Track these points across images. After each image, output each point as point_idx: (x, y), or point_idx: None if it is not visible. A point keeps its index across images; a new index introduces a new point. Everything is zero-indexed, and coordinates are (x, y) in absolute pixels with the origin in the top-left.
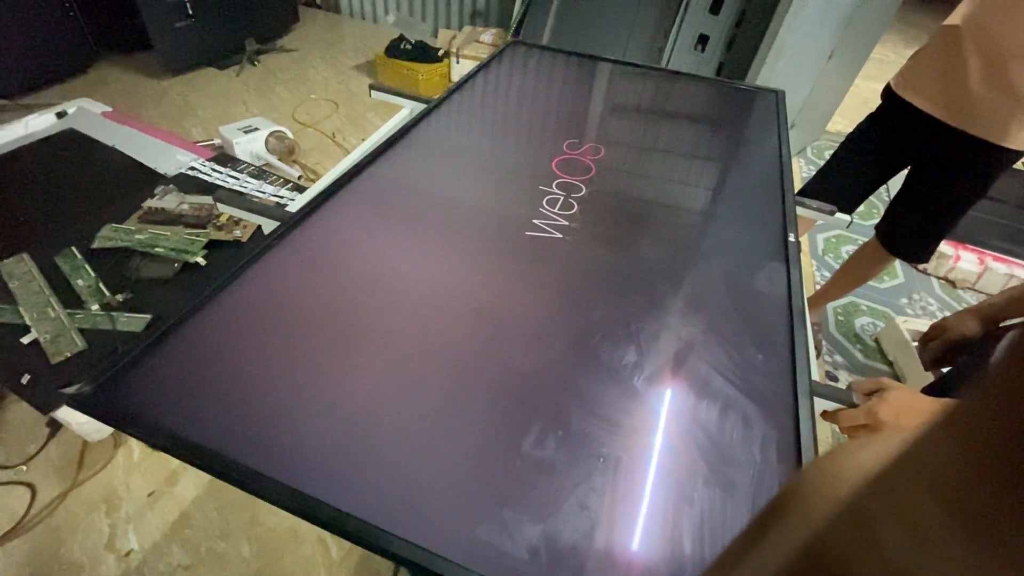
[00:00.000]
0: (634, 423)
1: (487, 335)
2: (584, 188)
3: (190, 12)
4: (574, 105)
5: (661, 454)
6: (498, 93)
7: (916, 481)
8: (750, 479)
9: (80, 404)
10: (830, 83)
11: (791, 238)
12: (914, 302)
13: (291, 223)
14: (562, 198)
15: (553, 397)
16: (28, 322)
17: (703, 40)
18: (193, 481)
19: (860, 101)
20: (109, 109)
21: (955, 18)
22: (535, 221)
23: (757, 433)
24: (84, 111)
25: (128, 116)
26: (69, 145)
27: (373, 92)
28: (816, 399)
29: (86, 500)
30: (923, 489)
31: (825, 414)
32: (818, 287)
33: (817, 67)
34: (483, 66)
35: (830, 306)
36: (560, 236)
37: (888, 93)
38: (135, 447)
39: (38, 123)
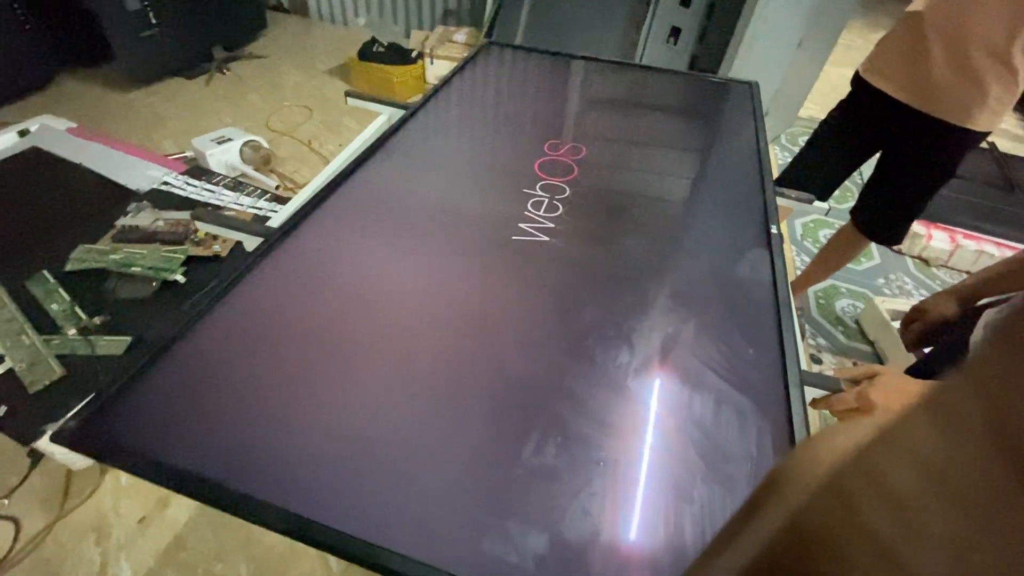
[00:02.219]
0: (630, 424)
1: (480, 343)
2: (568, 189)
3: (153, 21)
4: (552, 105)
5: (659, 454)
6: (475, 96)
7: (898, 457)
8: (747, 474)
9: (66, 440)
10: (800, 70)
11: (773, 230)
12: (891, 282)
13: (274, 239)
14: (546, 200)
15: (549, 403)
16: (1, 351)
17: (675, 33)
18: (185, 503)
19: (830, 87)
20: (74, 125)
21: (918, 4)
22: (521, 225)
23: (752, 427)
24: (47, 128)
25: (94, 131)
26: (34, 164)
27: (349, 99)
28: (806, 388)
29: (74, 530)
30: (905, 465)
31: (815, 402)
32: (799, 272)
33: (787, 55)
34: (459, 69)
35: (811, 290)
36: (547, 239)
37: (857, 79)
38: (122, 473)
39: None
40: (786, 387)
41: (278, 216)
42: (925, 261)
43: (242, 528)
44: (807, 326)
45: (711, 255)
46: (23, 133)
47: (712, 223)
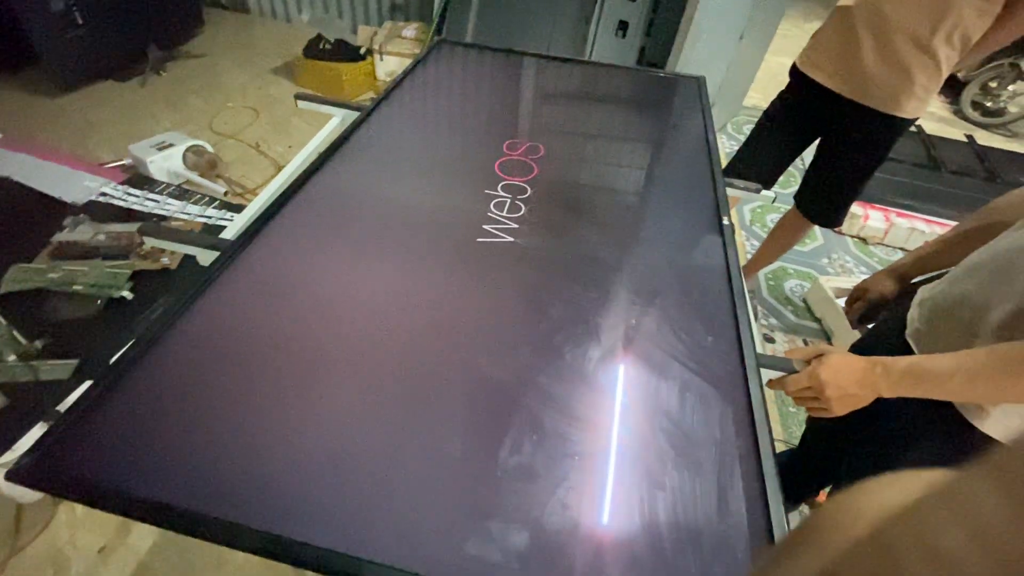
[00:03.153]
0: (602, 417)
1: (451, 347)
2: (529, 189)
3: (79, 20)
4: (509, 104)
5: (630, 444)
6: (430, 96)
7: (952, 517)
8: (713, 457)
9: (23, 479)
10: (743, 61)
11: (725, 221)
12: (833, 261)
13: (230, 252)
14: (508, 200)
15: (523, 402)
16: None
17: (623, 26)
18: (148, 528)
19: (770, 76)
20: None
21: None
22: (485, 227)
23: (715, 412)
24: None
25: (22, 141)
26: None
27: (299, 102)
28: (762, 370)
29: (30, 566)
30: (959, 526)
31: (771, 383)
32: (749, 257)
33: (731, 47)
34: (411, 68)
35: (761, 272)
36: (512, 240)
37: (794, 71)
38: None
39: None
40: (744, 372)
41: (233, 227)
42: (863, 240)
43: (211, 548)
44: (759, 307)
45: (668, 248)
46: None
47: (668, 217)
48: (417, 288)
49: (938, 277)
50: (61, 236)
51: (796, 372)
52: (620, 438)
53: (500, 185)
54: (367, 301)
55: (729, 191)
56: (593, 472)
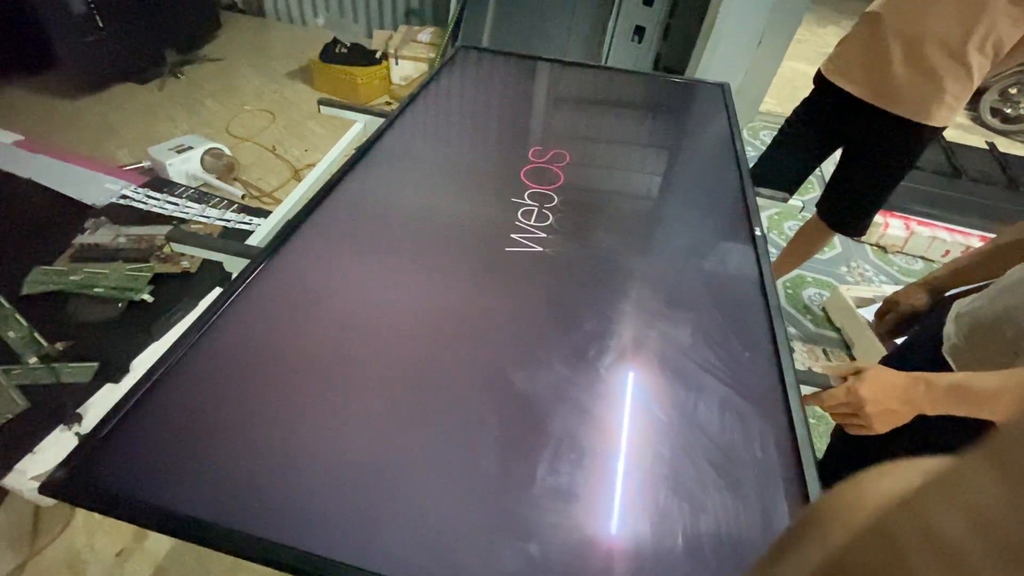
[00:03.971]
0: (640, 435)
1: (483, 361)
2: (556, 197)
3: (100, 24)
4: (533, 110)
5: (669, 464)
6: (455, 103)
7: (952, 504)
8: (755, 478)
9: (55, 491)
10: (761, 67)
11: (757, 232)
12: (852, 269)
13: (261, 261)
14: (536, 209)
15: (556, 416)
16: None
17: (640, 31)
18: None
19: (785, 81)
20: (21, 138)
21: (875, 5)
22: (513, 236)
23: (755, 431)
24: None
25: (43, 144)
26: None
27: (322, 108)
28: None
29: (47, 569)
30: (958, 513)
31: (806, 398)
32: None
33: (749, 53)
34: (435, 74)
35: (779, 280)
36: (540, 249)
37: (819, 79)
38: None
39: None
40: (784, 390)
41: (259, 233)
42: (883, 248)
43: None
44: None
45: (700, 259)
46: None
47: (698, 227)
48: (448, 298)
49: (974, 291)
50: (82, 238)
51: (831, 387)
52: (659, 456)
53: (527, 193)
54: (396, 311)
55: (764, 203)
56: (629, 490)
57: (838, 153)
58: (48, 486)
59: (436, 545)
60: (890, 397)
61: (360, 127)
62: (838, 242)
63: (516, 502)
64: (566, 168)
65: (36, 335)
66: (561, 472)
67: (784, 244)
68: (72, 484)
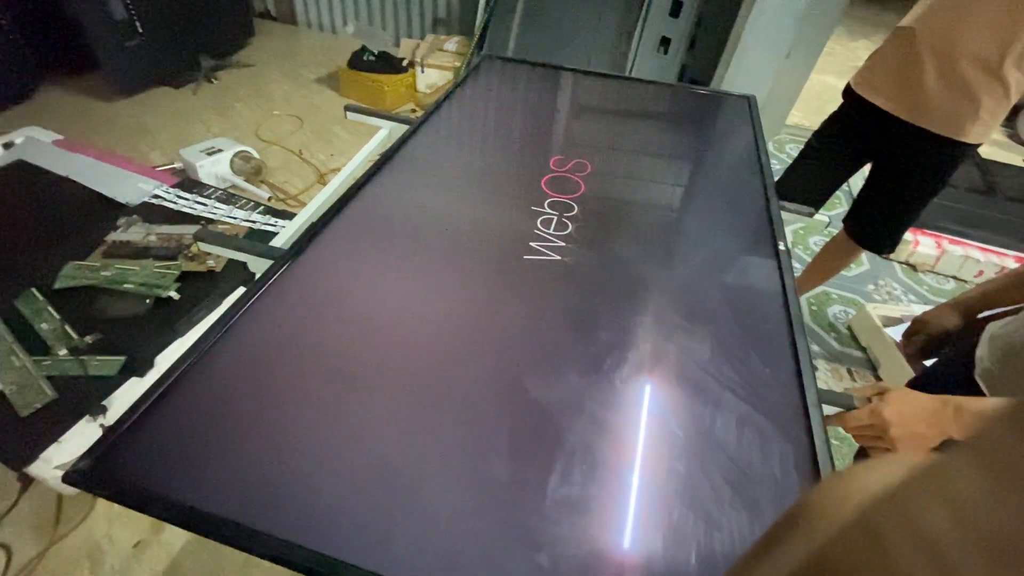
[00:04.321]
0: (652, 447)
1: (498, 368)
2: (576, 207)
3: (139, 30)
4: (555, 120)
5: (684, 479)
6: (478, 111)
7: (935, 499)
8: (772, 497)
9: (78, 481)
10: (788, 79)
11: (781, 246)
12: (880, 287)
13: (284, 262)
14: (555, 218)
15: (570, 426)
16: None
17: (665, 43)
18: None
19: (813, 94)
20: (60, 137)
21: (909, 20)
22: (532, 244)
23: (774, 449)
24: (33, 140)
25: (81, 143)
26: (19, 178)
27: (349, 114)
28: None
29: (67, 557)
30: (942, 507)
31: (828, 419)
32: None
33: (776, 65)
34: (460, 83)
35: (803, 297)
36: (559, 258)
37: (849, 92)
38: None
39: None
40: (805, 408)
41: (282, 235)
42: (912, 267)
43: (238, 552)
44: None
45: (721, 273)
46: (7, 145)
47: (719, 240)
48: (465, 305)
49: (1010, 313)
50: (115, 235)
51: (856, 408)
52: (673, 471)
53: (547, 202)
54: (414, 316)
55: (788, 217)
56: (643, 504)
57: (867, 168)
58: (71, 475)
59: (447, 551)
60: (917, 420)
61: (385, 133)
62: (866, 259)
63: (526, 510)
64: (587, 178)
65: (67, 328)
66: (573, 482)
67: (809, 259)
68: (94, 474)
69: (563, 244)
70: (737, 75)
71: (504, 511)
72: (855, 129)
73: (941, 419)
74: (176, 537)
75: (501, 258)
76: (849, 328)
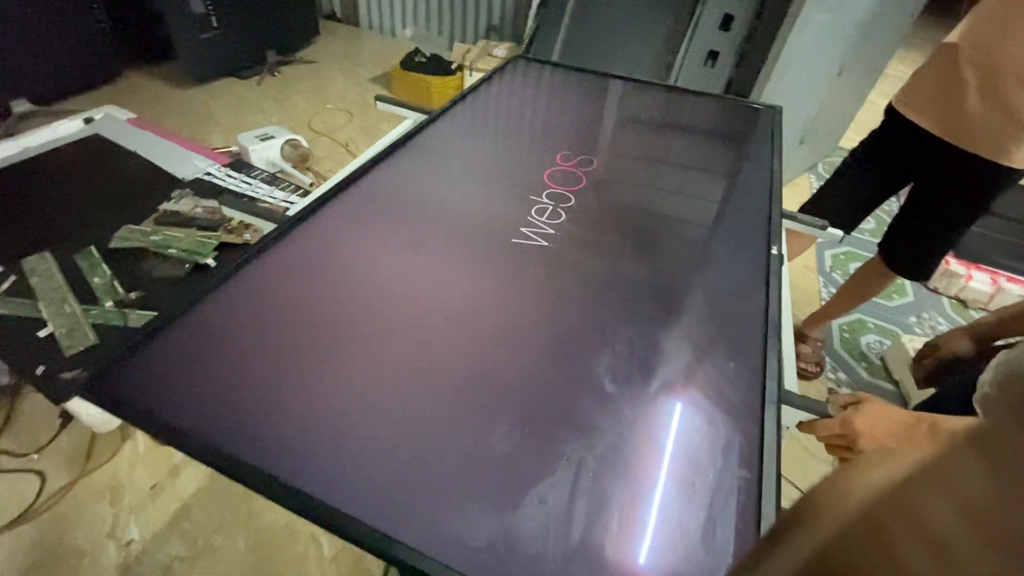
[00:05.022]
0: (602, 425)
1: (464, 335)
2: (573, 198)
3: (215, 24)
4: (570, 119)
5: (627, 455)
6: (498, 106)
7: (940, 495)
8: (710, 481)
9: (77, 388)
10: (841, 99)
11: (774, 250)
12: (923, 321)
13: (287, 226)
14: (551, 207)
15: (525, 398)
16: (45, 316)
17: (713, 56)
18: (194, 476)
19: (874, 117)
20: (134, 116)
21: (953, 36)
22: (523, 229)
23: (721, 437)
24: (110, 118)
25: (151, 123)
26: (94, 150)
27: (379, 103)
28: (794, 410)
29: (92, 490)
30: (947, 503)
31: (801, 425)
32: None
33: (825, 83)
34: (485, 79)
35: (835, 323)
36: (546, 244)
37: (890, 110)
38: (140, 441)
39: (66, 128)
40: (763, 402)
41: (297, 207)
42: (963, 303)
43: (243, 504)
44: (827, 359)
45: (706, 271)
46: (88, 121)
47: (712, 240)
48: (446, 275)
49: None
50: (167, 205)
51: (830, 416)
52: (617, 447)
53: (545, 193)
54: (401, 283)
55: (792, 226)
56: (579, 477)
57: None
58: (72, 382)
59: (415, 502)
60: (887, 433)
61: (410, 123)
62: (911, 290)
63: (462, 464)
64: (590, 173)
65: (115, 283)
66: (509, 443)
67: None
68: (92, 384)
69: (552, 232)
70: (779, 90)
71: (451, 461)
72: (895, 149)
73: (914, 434)
74: (188, 484)
75: (490, 239)
76: (882, 359)
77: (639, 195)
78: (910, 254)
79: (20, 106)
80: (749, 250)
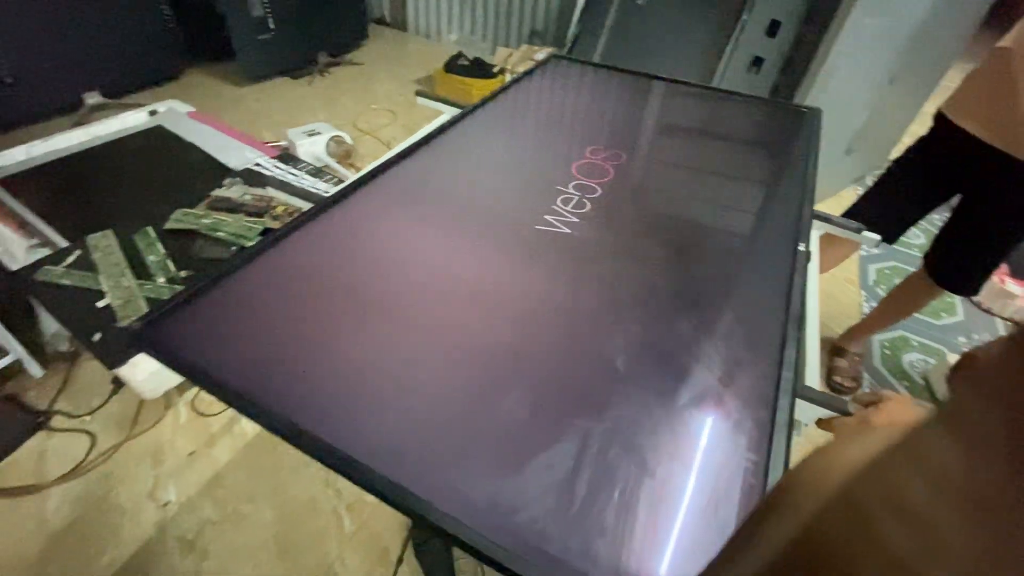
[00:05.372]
0: (612, 401)
1: (487, 310)
2: (599, 190)
3: (271, 26)
4: (602, 115)
5: (637, 434)
6: (530, 101)
7: (914, 470)
8: (717, 461)
9: (131, 335)
10: (892, 109)
11: (801, 247)
12: (973, 342)
13: (328, 202)
14: (576, 197)
15: (540, 371)
16: (104, 288)
17: (758, 62)
18: (228, 447)
19: (928, 129)
20: (193, 110)
21: (1007, 40)
22: (546, 216)
23: (731, 422)
24: (172, 111)
25: (209, 117)
26: (156, 139)
27: (419, 99)
28: (814, 406)
29: (136, 452)
30: (921, 478)
31: (820, 422)
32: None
33: (875, 92)
34: (521, 77)
35: (876, 339)
36: (568, 231)
37: (939, 117)
38: (183, 411)
39: (133, 119)
40: (776, 390)
41: (333, 190)
42: (1018, 325)
43: (272, 477)
44: (865, 374)
45: (729, 263)
46: (152, 113)
47: (738, 234)
48: (469, 256)
49: None
50: (218, 192)
51: (851, 415)
52: (627, 426)
53: (572, 184)
54: (427, 258)
55: (833, 231)
56: (585, 453)
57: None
58: (124, 330)
59: (450, 460)
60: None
61: (445, 118)
62: (961, 309)
63: (476, 430)
64: (619, 167)
65: (168, 262)
66: (520, 413)
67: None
68: (143, 335)
69: (576, 220)
70: (824, 95)
71: (463, 426)
72: (943, 156)
73: None
74: (224, 454)
75: (513, 224)
76: (925, 379)
77: (666, 189)
78: (956, 267)
79: (92, 98)
80: (775, 245)
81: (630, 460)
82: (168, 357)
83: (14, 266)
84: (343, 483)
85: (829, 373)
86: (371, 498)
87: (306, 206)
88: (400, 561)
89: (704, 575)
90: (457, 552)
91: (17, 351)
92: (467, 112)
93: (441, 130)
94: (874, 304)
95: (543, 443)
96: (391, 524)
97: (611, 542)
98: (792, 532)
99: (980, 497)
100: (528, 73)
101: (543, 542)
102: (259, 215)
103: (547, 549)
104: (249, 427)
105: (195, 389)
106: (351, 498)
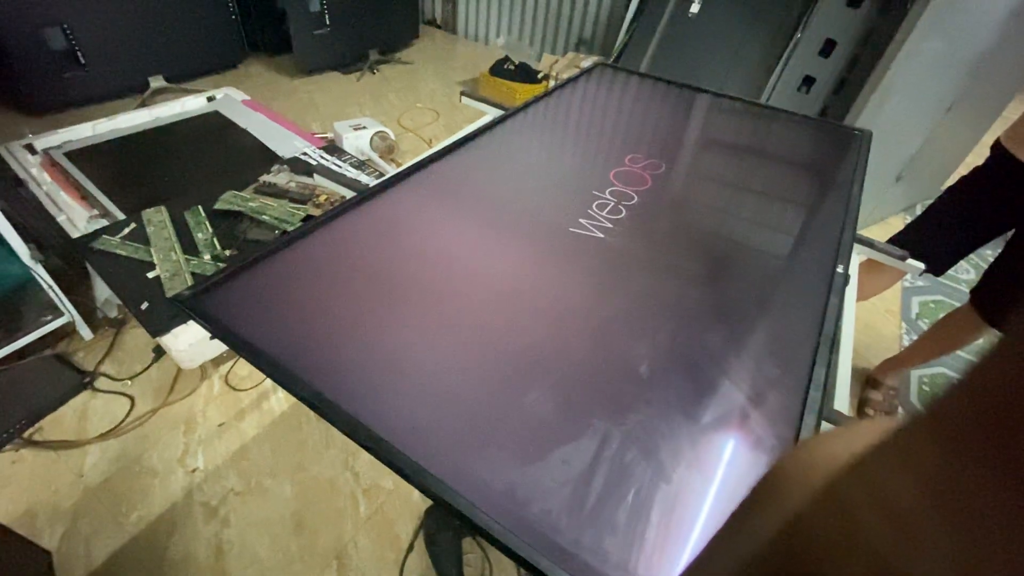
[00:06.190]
0: (634, 405)
1: (518, 306)
2: (636, 197)
3: (328, 22)
4: (644, 124)
5: (655, 440)
6: (574, 107)
7: (899, 469)
8: (735, 473)
9: (179, 301)
10: (949, 138)
11: (839, 268)
12: None
13: (370, 192)
14: (612, 203)
15: (566, 370)
16: (155, 261)
17: (808, 81)
18: (257, 421)
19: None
20: (248, 98)
21: None
22: (581, 220)
23: (753, 436)
24: (229, 98)
25: (262, 106)
26: (213, 124)
27: (463, 98)
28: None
29: (170, 419)
30: (906, 478)
31: None
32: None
33: (931, 118)
34: (566, 82)
35: (915, 374)
36: (601, 236)
37: (996, 147)
38: (216, 383)
39: (192, 104)
40: (802, 409)
41: (375, 183)
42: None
43: (295, 454)
44: (900, 408)
45: (764, 279)
46: (211, 99)
47: (775, 252)
48: (502, 254)
49: None
50: (266, 177)
51: None
52: (646, 429)
53: (609, 190)
54: (461, 252)
55: (877, 256)
56: (603, 450)
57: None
58: (175, 298)
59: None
60: None
61: (488, 119)
62: None
63: (498, 417)
64: (657, 176)
65: (215, 240)
66: (543, 407)
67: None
68: (194, 300)
69: (611, 226)
70: (877, 119)
71: (480, 423)
72: (998, 188)
73: None
74: (251, 428)
75: (548, 226)
76: None
77: (703, 201)
78: (1005, 305)
79: (156, 82)
80: (813, 265)
81: (647, 464)
82: (213, 325)
83: (75, 234)
84: (361, 467)
85: (861, 404)
86: (387, 484)
87: (348, 196)
88: (411, 548)
89: (692, 565)
90: (466, 547)
91: (71, 313)
92: (510, 114)
93: (483, 130)
94: (914, 337)
95: (562, 439)
96: (404, 512)
97: (622, 541)
98: (777, 525)
99: (962, 500)
100: (573, 79)
101: (555, 534)
102: (303, 202)
103: (558, 541)
104: (277, 405)
105: (229, 364)
106: (368, 483)
